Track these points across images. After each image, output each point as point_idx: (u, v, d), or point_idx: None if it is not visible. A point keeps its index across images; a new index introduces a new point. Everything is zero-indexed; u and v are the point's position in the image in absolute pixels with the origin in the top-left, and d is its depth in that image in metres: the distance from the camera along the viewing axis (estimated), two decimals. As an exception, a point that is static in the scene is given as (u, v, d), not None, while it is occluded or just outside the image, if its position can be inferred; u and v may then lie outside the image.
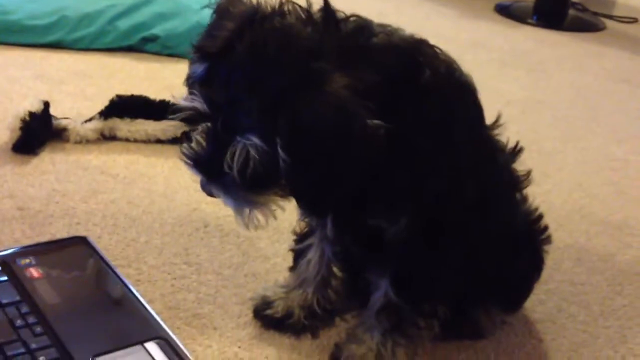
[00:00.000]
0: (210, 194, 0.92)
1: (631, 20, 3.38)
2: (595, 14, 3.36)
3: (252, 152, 0.82)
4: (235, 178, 0.86)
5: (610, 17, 3.38)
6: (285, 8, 0.87)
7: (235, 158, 0.83)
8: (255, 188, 0.88)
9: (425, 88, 0.89)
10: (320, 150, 0.82)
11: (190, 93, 0.88)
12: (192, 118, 0.89)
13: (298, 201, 0.89)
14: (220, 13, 0.90)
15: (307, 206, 0.91)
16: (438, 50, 0.94)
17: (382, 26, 0.92)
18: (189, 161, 0.91)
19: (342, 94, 0.81)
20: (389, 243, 0.97)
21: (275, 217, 0.93)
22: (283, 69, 0.82)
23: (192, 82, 0.89)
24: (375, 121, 0.82)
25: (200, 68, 0.88)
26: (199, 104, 0.86)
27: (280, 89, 0.81)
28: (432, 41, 0.95)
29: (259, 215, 0.92)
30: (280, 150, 0.81)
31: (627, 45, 2.96)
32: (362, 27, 0.90)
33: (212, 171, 0.89)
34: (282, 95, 0.81)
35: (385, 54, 0.88)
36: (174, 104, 1.66)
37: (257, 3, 0.88)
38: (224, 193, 0.90)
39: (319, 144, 0.81)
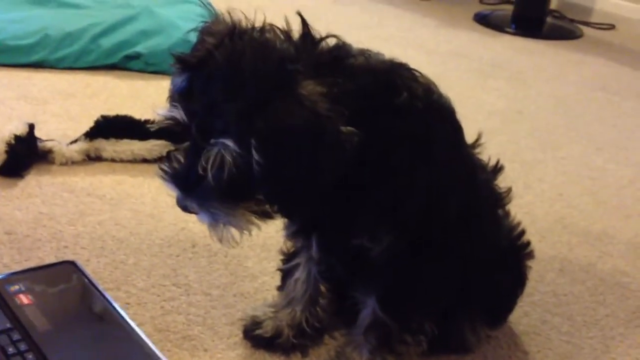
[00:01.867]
0: (186, 209, 0.92)
1: (608, 26, 3.43)
2: (573, 21, 3.41)
3: (227, 155, 0.83)
4: (209, 189, 0.87)
5: (587, 24, 3.43)
6: (265, 27, 0.90)
7: (210, 161, 0.84)
8: (230, 200, 0.89)
9: (402, 108, 0.91)
10: (293, 152, 0.83)
11: (171, 104, 0.90)
12: (171, 129, 0.90)
13: (271, 205, 0.90)
14: (203, 33, 0.92)
15: (281, 211, 0.92)
16: (417, 74, 0.96)
17: (362, 50, 0.94)
18: (165, 176, 0.92)
19: (314, 98, 0.83)
20: (373, 262, 0.99)
21: (250, 234, 0.93)
22: (258, 74, 0.84)
23: (172, 94, 0.91)
24: (349, 128, 0.84)
25: (179, 80, 0.89)
26: (177, 114, 0.88)
27: (255, 92, 0.83)
28: (414, 52, 0.98)
29: (233, 231, 0.93)
30: (254, 153, 0.82)
31: (604, 52, 3.01)
32: (340, 47, 0.92)
33: (188, 184, 0.89)
34: (257, 98, 0.83)
35: (362, 74, 0.91)
36: (152, 121, 1.68)
37: (238, 22, 0.90)
38: (198, 206, 0.91)
39: (291, 145, 0.83)
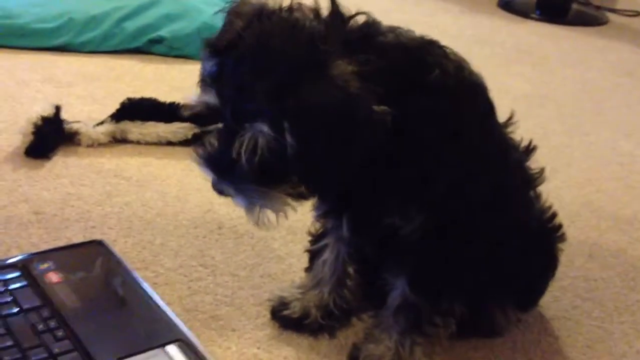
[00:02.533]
0: (222, 193, 0.92)
1: (634, 13, 3.38)
2: (598, 7, 3.36)
3: (260, 139, 0.83)
4: (244, 172, 0.86)
5: (614, 10, 3.38)
6: (293, 6, 0.89)
7: (244, 146, 0.84)
8: (265, 183, 0.88)
9: (434, 85, 0.90)
10: (326, 132, 0.82)
11: (202, 89, 0.89)
12: (203, 114, 0.90)
13: (307, 187, 0.90)
14: (230, 14, 0.91)
15: (315, 191, 0.92)
16: (448, 50, 0.95)
17: (392, 27, 0.93)
18: (200, 160, 0.92)
19: (346, 77, 0.82)
20: (404, 242, 0.97)
21: (286, 217, 0.93)
22: (288, 55, 0.83)
23: (203, 78, 0.90)
24: (382, 107, 0.83)
25: (210, 64, 0.88)
26: (209, 98, 0.87)
27: (286, 73, 0.82)
28: (437, 38, 0.96)
29: (269, 214, 0.92)
30: (287, 135, 0.81)
31: (630, 38, 2.96)
32: (370, 24, 0.91)
33: (223, 168, 0.89)
34: (288, 79, 0.82)
35: (393, 51, 0.89)
36: (183, 105, 1.68)
37: (265, 2, 0.89)
38: (234, 190, 0.91)
39: (324, 125, 0.82)
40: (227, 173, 0.89)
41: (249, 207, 0.92)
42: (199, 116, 0.93)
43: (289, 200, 0.91)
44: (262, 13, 0.87)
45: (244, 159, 0.85)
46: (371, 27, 0.91)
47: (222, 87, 0.86)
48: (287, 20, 0.87)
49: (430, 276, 1.01)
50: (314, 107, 0.82)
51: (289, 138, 0.82)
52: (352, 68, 0.83)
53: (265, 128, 0.82)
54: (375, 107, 0.83)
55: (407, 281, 1.01)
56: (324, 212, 1.03)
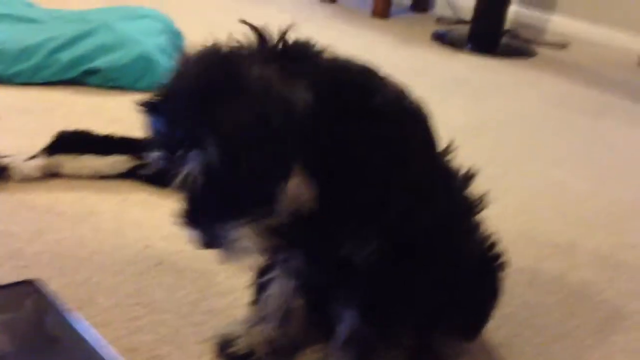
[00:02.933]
0: (207, 246, 0.90)
1: (561, 46, 3.52)
2: (527, 40, 3.49)
3: (193, 165, 0.82)
4: (212, 213, 0.86)
5: (541, 43, 3.52)
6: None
7: (186, 179, 0.84)
8: (236, 219, 0.87)
9: (377, 110, 0.90)
10: (245, 130, 0.82)
11: (152, 150, 0.88)
12: (162, 171, 0.88)
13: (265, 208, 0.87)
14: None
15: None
16: (388, 79, 0.96)
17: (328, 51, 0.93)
18: (181, 222, 0.90)
19: (265, 77, 0.82)
20: (356, 269, 0.96)
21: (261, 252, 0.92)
22: (201, 75, 0.84)
23: (153, 139, 0.88)
24: (299, 87, 0.83)
25: (153, 123, 0.87)
26: (158, 154, 0.86)
27: (198, 91, 0.83)
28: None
29: (247, 249, 0.89)
30: (210, 147, 0.81)
31: (557, 70, 3.08)
32: (303, 43, 0.90)
33: (195, 217, 0.88)
34: (201, 95, 0.82)
35: (330, 70, 0.90)
36: (121, 137, 1.64)
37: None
38: (210, 236, 0.88)
39: (238, 123, 0.82)
40: (201, 222, 0.88)
41: (229, 252, 0.89)
42: (159, 175, 0.90)
43: (266, 234, 0.88)
44: (187, 58, 0.88)
45: (196, 193, 0.85)
46: (307, 48, 0.90)
47: (162, 137, 0.86)
48: (204, 52, 0.87)
49: (380, 304, 1.00)
50: (229, 107, 0.82)
51: (210, 149, 0.81)
52: (272, 72, 0.83)
53: (195, 154, 0.82)
54: (287, 89, 0.83)
55: (358, 310, 1.00)
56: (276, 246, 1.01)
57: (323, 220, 0.91)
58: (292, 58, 0.88)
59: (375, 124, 0.90)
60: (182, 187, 0.85)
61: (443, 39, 3.34)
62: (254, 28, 0.89)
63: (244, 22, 0.89)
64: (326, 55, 0.92)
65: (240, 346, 1.10)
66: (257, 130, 0.82)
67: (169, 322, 1.17)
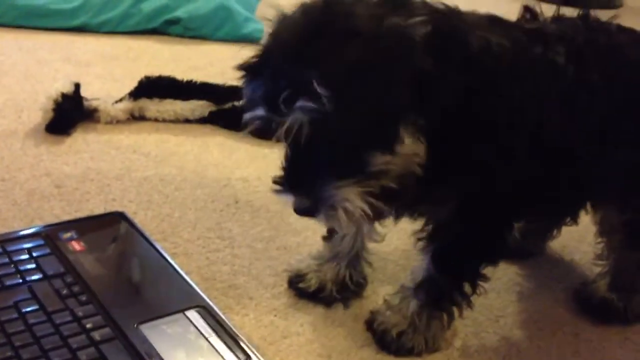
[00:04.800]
0: (304, 213, 0.87)
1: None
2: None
3: (301, 116, 0.78)
4: (316, 173, 0.82)
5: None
6: None
7: (291, 131, 0.80)
8: (340, 175, 0.83)
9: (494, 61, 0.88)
10: (359, 69, 0.77)
11: (251, 108, 0.85)
12: (261, 129, 0.85)
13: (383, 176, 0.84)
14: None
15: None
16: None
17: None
18: (277, 187, 0.87)
19: (371, 14, 0.80)
20: (436, 225, 0.99)
21: (369, 219, 0.85)
22: (308, 23, 0.81)
23: (252, 100, 0.85)
24: (413, 20, 0.79)
25: (252, 87, 0.85)
26: (258, 111, 0.83)
27: (306, 36, 0.80)
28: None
29: (351, 213, 0.84)
30: (324, 96, 0.76)
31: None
32: None
33: (296, 181, 0.85)
34: (310, 39, 0.79)
35: (445, 13, 0.87)
36: (201, 83, 1.71)
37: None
38: (311, 201, 0.84)
39: (354, 62, 0.77)
40: (301, 185, 0.85)
41: (328, 217, 0.85)
42: (259, 132, 0.87)
43: (372, 199, 0.84)
44: (283, 18, 0.86)
45: (299, 149, 0.81)
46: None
47: (265, 93, 0.82)
48: (303, 4, 0.85)
49: (455, 256, 1.02)
50: (337, 46, 0.78)
51: (324, 97, 0.76)
52: (384, 10, 0.81)
53: (304, 102, 0.77)
54: (405, 22, 0.79)
55: (433, 259, 1.02)
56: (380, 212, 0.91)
57: (425, 179, 0.87)
58: (401, 4, 0.84)
59: (474, 74, 0.86)
60: (284, 140, 0.81)
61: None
62: None
63: None
64: (423, 6, 0.88)
65: (311, 282, 1.14)
66: (371, 72, 0.77)
67: (245, 256, 1.23)
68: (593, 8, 3.39)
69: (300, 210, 0.87)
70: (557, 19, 1.04)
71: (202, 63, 2.01)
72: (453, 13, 0.91)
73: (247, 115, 0.85)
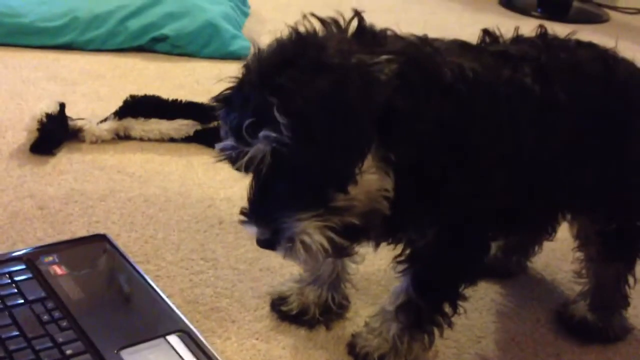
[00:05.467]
0: (265, 245, 0.87)
1: (635, 11, 3.39)
2: (599, 5, 3.38)
3: (263, 146, 0.78)
4: (277, 201, 0.82)
5: (614, 8, 3.40)
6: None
7: (252, 161, 0.80)
8: (301, 207, 0.82)
9: (455, 90, 0.88)
10: (320, 106, 0.77)
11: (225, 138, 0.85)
12: (232, 158, 0.85)
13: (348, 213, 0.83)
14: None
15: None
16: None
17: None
18: (243, 218, 0.88)
19: (341, 50, 0.80)
20: (414, 250, 1.00)
21: (327, 252, 0.84)
22: (277, 54, 0.82)
23: (226, 132, 0.85)
24: (382, 57, 0.80)
25: (228, 118, 0.85)
26: (229, 142, 0.84)
27: (274, 66, 0.80)
28: (438, 35, 0.97)
29: (309, 246, 0.83)
30: (283, 127, 0.76)
31: (632, 36, 2.98)
32: (376, 29, 0.89)
33: (258, 213, 0.85)
34: (276, 69, 0.79)
35: (409, 48, 0.88)
36: (186, 102, 1.71)
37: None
38: (269, 230, 0.85)
39: (317, 98, 0.77)
40: (263, 216, 0.85)
41: (286, 249, 0.85)
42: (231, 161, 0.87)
43: (332, 234, 0.83)
44: (259, 51, 0.86)
45: (262, 180, 0.82)
46: (378, 31, 0.89)
47: (232, 126, 0.83)
48: (277, 38, 0.86)
49: (435, 280, 1.02)
50: (303, 78, 0.78)
51: (283, 125, 0.76)
52: (352, 46, 0.82)
53: (267, 132, 0.78)
54: (368, 58, 0.80)
55: (412, 283, 1.02)
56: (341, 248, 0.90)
57: (395, 212, 0.87)
58: (367, 38, 0.86)
59: (447, 104, 0.87)
60: (244, 170, 0.81)
61: (511, 3, 3.27)
62: (321, 19, 0.87)
63: (313, 14, 0.86)
64: (395, 37, 0.90)
65: (293, 305, 1.14)
66: (335, 102, 0.78)
67: (228, 277, 1.23)
68: (579, 23, 3.42)
69: (261, 242, 0.86)
70: (517, 39, 1.05)
71: (189, 81, 2.02)
72: (425, 43, 0.92)
73: (217, 146, 0.86)
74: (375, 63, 0.81)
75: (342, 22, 0.89)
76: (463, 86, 0.88)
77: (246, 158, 0.80)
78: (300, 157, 0.79)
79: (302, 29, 0.86)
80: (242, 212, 0.88)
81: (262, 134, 0.78)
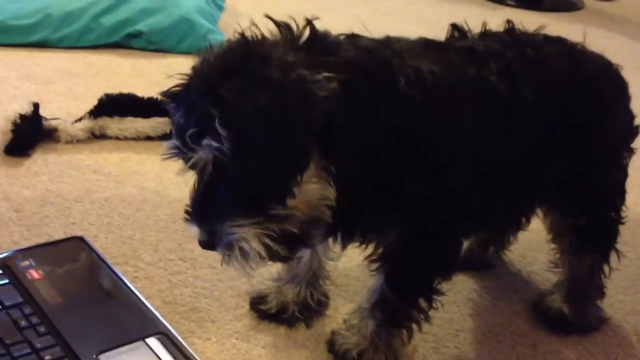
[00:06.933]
0: (205, 246, 0.88)
1: (609, -2, 3.42)
2: (574, -7, 3.41)
3: (204, 154, 0.80)
4: (219, 206, 0.83)
5: (588, -4, 3.43)
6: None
7: (197, 167, 0.82)
8: (243, 214, 0.84)
9: (401, 97, 0.88)
10: (257, 117, 0.78)
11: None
12: (177, 157, 0.87)
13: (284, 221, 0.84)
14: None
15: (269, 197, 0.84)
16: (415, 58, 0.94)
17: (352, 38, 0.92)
18: (186, 216, 0.89)
19: (286, 61, 0.81)
20: (382, 248, 1.01)
21: (265, 260, 0.87)
22: (220, 63, 0.82)
23: (173, 127, 0.87)
24: (321, 74, 0.81)
25: (177, 115, 0.85)
26: (174, 142, 0.85)
27: (216, 76, 0.81)
28: (414, 26, 0.98)
29: (250, 256, 0.85)
30: (223, 138, 0.78)
31: (605, 24, 3.01)
32: (329, 36, 0.89)
33: (200, 213, 0.86)
34: (218, 79, 0.80)
35: (355, 61, 0.87)
36: (162, 101, 1.70)
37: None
38: (211, 234, 0.86)
39: (255, 109, 0.78)
40: (205, 218, 0.86)
41: (224, 254, 0.87)
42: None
43: (269, 241, 0.84)
44: (207, 50, 0.86)
45: (205, 185, 0.83)
46: (329, 38, 0.90)
47: (177, 128, 0.84)
48: (227, 40, 0.87)
49: (406, 278, 1.03)
50: (244, 90, 0.79)
51: (223, 137, 0.78)
52: (295, 60, 0.82)
53: (209, 141, 0.79)
54: (308, 74, 0.81)
55: (385, 280, 1.03)
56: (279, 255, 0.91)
57: (348, 215, 0.89)
58: (317, 47, 0.86)
59: (400, 112, 0.88)
60: (193, 174, 0.83)
61: (486, -7, 3.29)
62: (276, 22, 0.88)
63: (268, 17, 0.87)
64: (350, 44, 0.90)
65: (272, 304, 1.15)
66: (273, 118, 0.79)
67: (207, 277, 1.23)
68: (555, 10, 3.45)
69: (201, 243, 0.88)
70: (485, 35, 1.05)
71: (164, 77, 1.99)
72: (384, 46, 0.92)
73: (165, 143, 0.87)
74: (315, 80, 0.81)
75: (295, 28, 0.89)
76: (417, 92, 0.89)
77: (190, 163, 0.83)
78: (239, 168, 0.80)
79: (249, 34, 0.87)
80: (186, 211, 0.89)
81: (204, 142, 0.80)
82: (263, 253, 0.85)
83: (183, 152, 0.84)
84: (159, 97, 0.90)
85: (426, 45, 0.97)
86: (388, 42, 0.94)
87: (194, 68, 0.87)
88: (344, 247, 1.02)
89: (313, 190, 0.85)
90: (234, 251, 0.85)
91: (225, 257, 0.87)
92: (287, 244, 0.86)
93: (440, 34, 1.02)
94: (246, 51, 0.83)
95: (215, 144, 0.79)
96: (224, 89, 0.79)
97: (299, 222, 0.86)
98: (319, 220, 0.87)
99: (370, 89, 0.86)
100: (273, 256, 0.86)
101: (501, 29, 1.08)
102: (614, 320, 1.24)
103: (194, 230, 0.88)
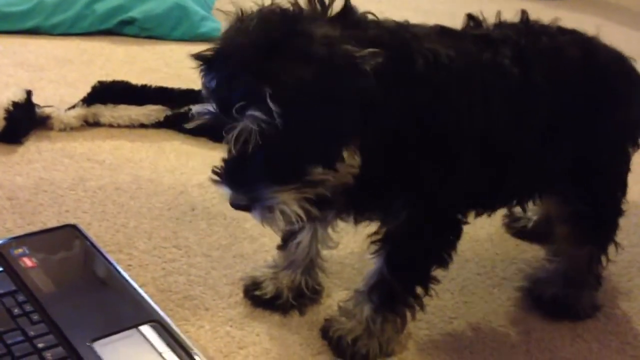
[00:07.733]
0: (238, 207, 0.91)
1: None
2: (570, -20, 3.39)
3: (251, 124, 0.81)
4: (256, 173, 0.86)
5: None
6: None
7: (240, 137, 0.83)
8: (279, 181, 0.87)
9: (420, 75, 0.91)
10: (309, 90, 0.81)
11: (204, 101, 0.88)
12: (208, 125, 0.89)
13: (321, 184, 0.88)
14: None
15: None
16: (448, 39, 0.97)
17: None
18: (216, 178, 0.91)
19: (331, 36, 0.83)
20: (387, 232, 1.02)
21: (303, 220, 0.90)
22: (264, 33, 0.84)
23: (206, 93, 0.89)
24: (367, 50, 0.83)
25: (208, 78, 0.88)
26: (209, 107, 0.87)
27: (264, 48, 0.82)
28: (410, 13, 0.99)
29: (286, 215, 0.89)
30: (272, 106, 0.80)
31: (600, 11, 3.00)
32: (361, 13, 0.92)
33: (236, 178, 0.89)
34: (266, 52, 0.82)
35: (396, 37, 0.91)
36: (156, 87, 1.69)
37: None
38: (247, 200, 0.89)
39: (306, 82, 0.81)
40: (241, 183, 0.89)
41: (265, 217, 0.90)
42: (205, 128, 0.92)
43: (307, 204, 0.89)
44: (242, 16, 0.89)
45: (245, 153, 0.84)
46: (364, 15, 0.92)
47: (217, 92, 0.86)
48: (262, 10, 0.88)
49: (408, 260, 1.04)
50: (293, 66, 0.81)
51: (275, 113, 0.80)
52: (339, 34, 0.85)
53: (255, 112, 0.81)
54: (356, 51, 0.83)
55: (385, 262, 1.03)
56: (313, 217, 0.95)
57: (364, 190, 0.92)
58: (349, 22, 0.89)
59: (416, 91, 0.90)
60: (232, 144, 0.85)
61: (482, -20, 3.27)
62: None
63: None
64: (373, 22, 0.92)
65: (267, 290, 1.15)
66: (325, 95, 0.82)
67: (201, 265, 1.23)
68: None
69: (236, 205, 0.91)
70: (500, 24, 1.07)
71: (158, 64, 2.00)
72: (403, 29, 0.94)
73: (196, 108, 0.88)
74: (361, 56, 0.83)
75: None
76: (434, 73, 0.91)
77: (235, 133, 0.84)
78: (288, 141, 0.83)
79: (285, 5, 0.88)
80: (215, 172, 0.91)
81: (250, 112, 0.82)
82: (302, 215, 0.89)
83: (224, 121, 0.85)
84: (192, 74, 0.90)
85: (442, 32, 0.99)
86: (407, 26, 0.96)
87: (226, 36, 0.88)
88: (356, 223, 1.03)
89: (345, 157, 0.88)
90: (276, 214, 0.89)
91: (265, 219, 0.90)
92: (319, 205, 0.90)
93: (435, 20, 1.02)
94: (287, 25, 0.85)
95: (263, 116, 0.81)
96: (272, 64, 0.81)
97: (330, 186, 0.89)
98: (344, 185, 0.91)
99: (393, 67, 0.88)
100: (308, 217, 0.91)
101: (493, 17, 1.08)
102: (607, 307, 1.25)
103: (225, 192, 0.90)
